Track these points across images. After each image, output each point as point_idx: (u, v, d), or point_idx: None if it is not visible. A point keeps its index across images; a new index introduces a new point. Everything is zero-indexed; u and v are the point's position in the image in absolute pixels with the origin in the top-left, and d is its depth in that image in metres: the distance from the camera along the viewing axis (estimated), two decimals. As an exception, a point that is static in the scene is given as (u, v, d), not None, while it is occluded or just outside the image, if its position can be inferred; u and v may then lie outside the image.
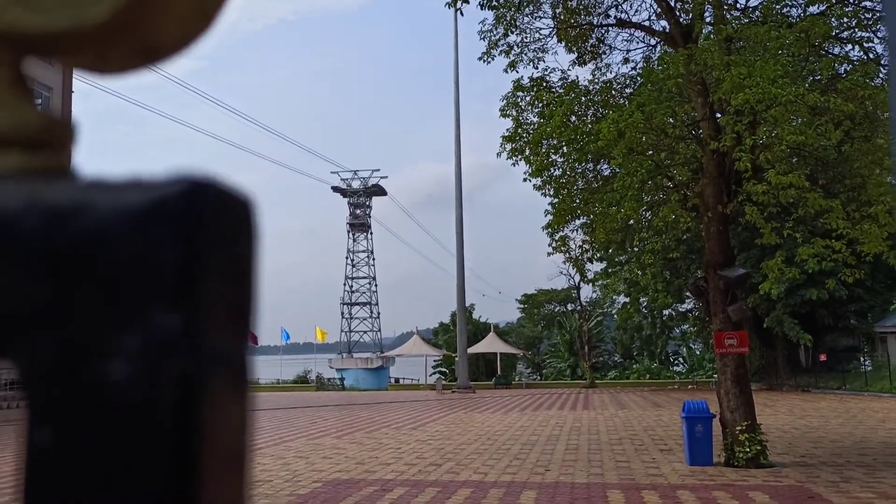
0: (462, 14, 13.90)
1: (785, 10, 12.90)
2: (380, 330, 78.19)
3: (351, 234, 78.81)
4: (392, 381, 56.05)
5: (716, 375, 12.59)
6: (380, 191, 78.04)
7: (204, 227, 0.24)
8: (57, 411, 0.24)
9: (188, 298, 0.24)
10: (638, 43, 15.07)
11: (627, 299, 37.59)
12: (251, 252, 0.27)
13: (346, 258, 78.84)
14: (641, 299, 35.85)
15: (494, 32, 14.34)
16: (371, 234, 78.30)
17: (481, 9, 13.85)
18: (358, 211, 78.10)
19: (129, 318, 0.24)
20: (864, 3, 12.52)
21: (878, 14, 11.56)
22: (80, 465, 0.23)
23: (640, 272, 16.59)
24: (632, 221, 14.21)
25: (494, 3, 13.85)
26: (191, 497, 0.23)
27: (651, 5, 14.14)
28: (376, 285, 79.39)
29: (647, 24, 14.46)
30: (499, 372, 46.15)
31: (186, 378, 0.24)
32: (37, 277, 0.24)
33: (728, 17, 12.59)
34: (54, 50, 0.29)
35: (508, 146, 13.96)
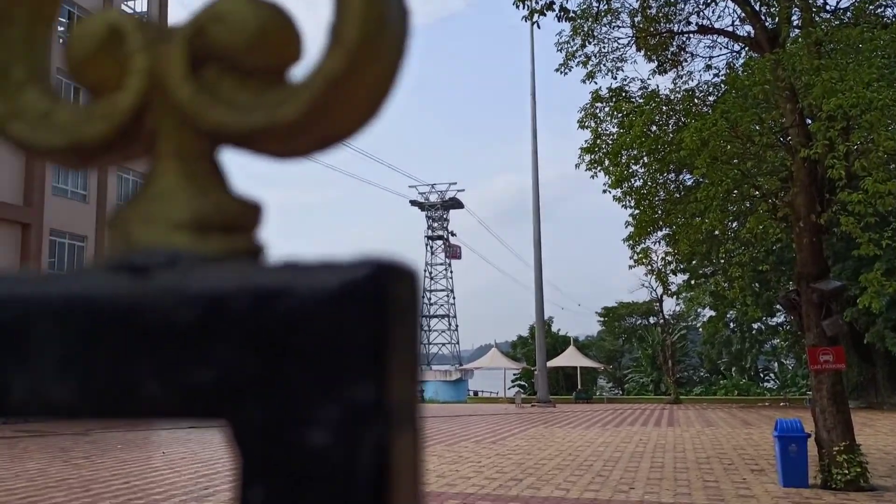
0: (539, 27, 13.89)
1: (879, 10, 12.31)
2: (458, 342, 78.51)
3: (429, 247, 79.62)
4: (471, 393, 56.04)
5: (810, 392, 12.02)
6: (457, 204, 78.62)
7: (388, 305, 0.28)
8: (265, 472, 0.27)
9: (379, 370, 0.27)
10: (721, 49, 14.67)
11: (714, 312, 36.43)
12: (416, 317, 0.30)
13: (424, 271, 79.63)
14: (729, 313, 34.65)
15: (571, 44, 14.25)
16: (447, 245, 78.75)
17: (558, 21, 13.79)
18: (435, 224, 78.87)
19: (327, 390, 0.27)
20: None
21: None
22: None
23: (726, 285, 16.03)
24: (717, 232, 13.78)
25: (572, 14, 13.77)
26: None
27: (734, 10, 13.74)
28: (454, 298, 79.82)
29: (730, 29, 14.07)
30: (579, 386, 45.44)
31: (379, 444, 0.27)
32: (247, 351, 0.28)
33: (817, 19, 12.11)
34: (247, 142, 0.33)
35: (587, 157, 13.82)
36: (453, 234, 78.75)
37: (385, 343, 0.27)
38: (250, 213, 0.34)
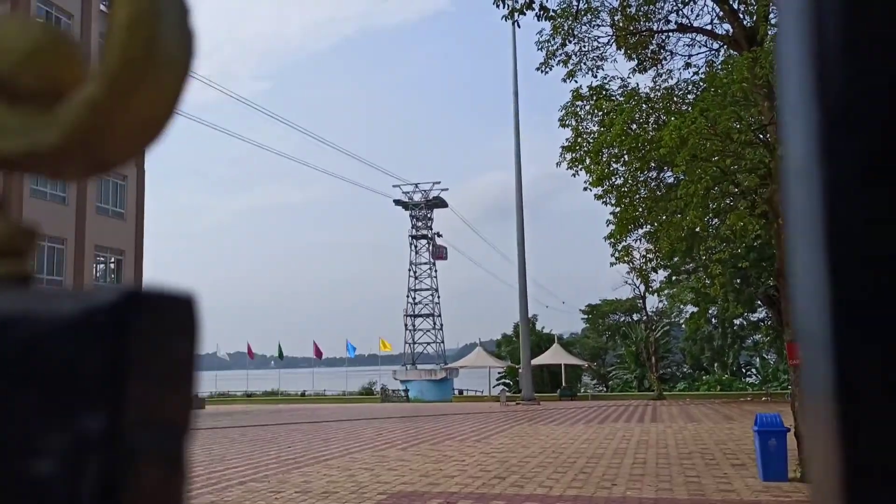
0: (519, 26, 13.91)
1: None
2: (443, 341, 78.42)
3: (413, 247, 79.53)
4: (456, 392, 56.06)
5: (791, 387, 12.14)
6: (441, 203, 78.56)
7: (129, 335, 0.27)
8: None
9: (111, 400, 0.26)
10: (700, 47, 14.77)
11: (695, 309, 36.72)
12: (187, 348, 0.29)
13: (409, 270, 79.53)
14: (711, 309, 34.91)
15: (552, 42, 14.30)
16: (433, 246, 78.74)
17: (538, 20, 13.81)
18: (419, 223, 78.84)
19: (56, 420, 0.26)
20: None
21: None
22: None
23: (708, 282, 16.17)
24: (697, 229, 13.89)
25: (552, 13, 13.79)
26: None
27: (713, 9, 13.85)
28: (439, 297, 79.75)
29: (709, 27, 14.18)
30: (564, 384, 45.57)
31: (105, 474, 0.26)
32: None
33: (795, 17, 12.22)
34: (13, 166, 0.32)
35: (568, 156, 13.88)
36: (439, 235, 78.69)
37: (122, 374, 0.26)
38: (19, 238, 0.33)
